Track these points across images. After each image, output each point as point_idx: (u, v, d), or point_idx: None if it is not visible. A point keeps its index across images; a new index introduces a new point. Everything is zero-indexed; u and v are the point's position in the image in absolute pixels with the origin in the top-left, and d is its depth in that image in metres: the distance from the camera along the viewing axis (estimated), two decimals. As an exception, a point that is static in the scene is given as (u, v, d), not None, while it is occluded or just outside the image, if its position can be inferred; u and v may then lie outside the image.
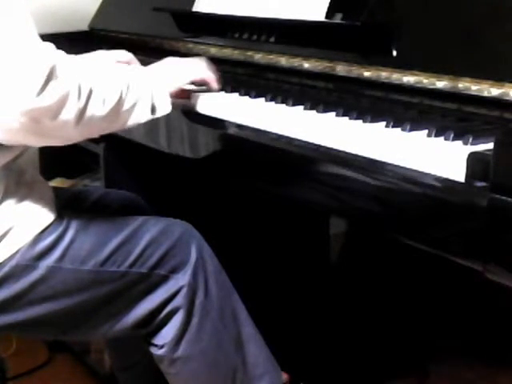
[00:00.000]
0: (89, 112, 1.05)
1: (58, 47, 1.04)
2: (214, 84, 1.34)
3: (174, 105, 1.24)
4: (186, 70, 1.30)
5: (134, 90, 1.14)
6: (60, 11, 1.99)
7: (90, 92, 1.04)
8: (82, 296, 1.18)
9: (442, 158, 0.93)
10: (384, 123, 1.08)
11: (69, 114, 1.01)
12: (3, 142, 1.08)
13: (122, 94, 1.11)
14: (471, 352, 1.49)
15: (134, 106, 1.14)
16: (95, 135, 1.16)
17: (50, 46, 1.02)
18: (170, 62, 1.30)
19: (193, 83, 1.34)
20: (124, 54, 1.49)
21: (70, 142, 1.10)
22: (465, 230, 0.91)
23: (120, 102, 1.11)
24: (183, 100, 1.35)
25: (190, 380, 1.29)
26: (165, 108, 1.21)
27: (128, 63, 1.53)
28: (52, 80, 0.98)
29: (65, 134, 1.06)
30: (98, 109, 1.06)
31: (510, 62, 1.05)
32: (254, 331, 1.33)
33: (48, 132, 1.03)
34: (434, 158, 0.94)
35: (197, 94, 1.35)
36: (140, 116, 1.16)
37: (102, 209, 1.45)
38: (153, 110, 1.19)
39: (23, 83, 0.96)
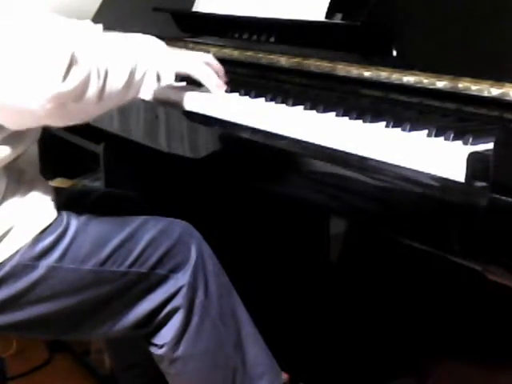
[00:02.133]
0: (108, 89, 1.09)
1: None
2: (213, 85, 1.31)
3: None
4: (193, 60, 1.31)
5: (144, 61, 1.17)
6: (60, 11, 1.98)
7: (107, 70, 1.08)
8: (82, 296, 1.18)
9: (441, 158, 0.93)
10: (384, 123, 1.08)
11: (91, 94, 1.05)
12: (21, 127, 1.11)
13: (133, 66, 1.15)
14: (471, 353, 1.49)
15: (143, 75, 1.17)
16: (108, 109, 1.18)
17: (69, 28, 1.06)
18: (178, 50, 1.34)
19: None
20: None
21: (89, 120, 1.15)
22: (465, 230, 0.91)
23: (132, 73, 1.14)
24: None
25: (190, 380, 1.29)
26: (168, 77, 1.23)
27: None
28: (74, 65, 1.01)
29: (86, 113, 1.11)
30: (115, 84, 1.10)
31: (510, 62, 1.05)
32: (253, 331, 1.33)
33: (71, 114, 1.07)
34: (433, 158, 0.94)
35: (195, 92, 1.34)
36: (149, 84, 1.19)
37: (102, 209, 1.45)
38: (158, 79, 1.21)
39: (48, 71, 0.99)
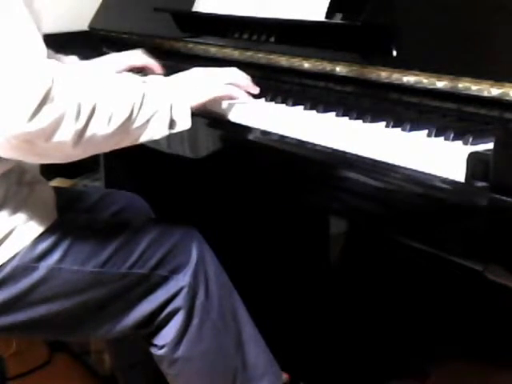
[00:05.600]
0: (89, 132, 1.01)
1: (58, 47, 1.03)
2: (243, 97, 1.24)
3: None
4: (211, 85, 1.21)
5: (149, 105, 1.08)
6: (60, 11, 1.99)
7: (93, 111, 1.00)
8: (83, 297, 1.18)
9: (442, 157, 0.93)
10: (384, 123, 1.08)
11: (64, 135, 0.98)
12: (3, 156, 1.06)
13: (133, 109, 1.06)
14: (472, 353, 1.49)
15: (147, 121, 1.08)
16: (102, 151, 1.12)
17: (51, 63, 0.98)
18: (196, 73, 1.21)
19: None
20: (139, 56, 1.48)
21: (71, 160, 1.07)
22: (465, 230, 0.91)
23: (130, 118, 1.06)
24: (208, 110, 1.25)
25: (190, 380, 1.29)
26: (184, 123, 1.13)
27: (144, 67, 1.52)
28: (46, 104, 0.95)
29: (63, 153, 1.03)
30: (102, 127, 1.02)
31: (510, 62, 1.05)
32: (254, 332, 1.33)
33: (44, 152, 1.01)
34: (434, 157, 0.94)
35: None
36: (155, 131, 1.10)
37: (102, 209, 1.45)
38: (171, 125, 1.12)
39: (16, 108, 0.93)
